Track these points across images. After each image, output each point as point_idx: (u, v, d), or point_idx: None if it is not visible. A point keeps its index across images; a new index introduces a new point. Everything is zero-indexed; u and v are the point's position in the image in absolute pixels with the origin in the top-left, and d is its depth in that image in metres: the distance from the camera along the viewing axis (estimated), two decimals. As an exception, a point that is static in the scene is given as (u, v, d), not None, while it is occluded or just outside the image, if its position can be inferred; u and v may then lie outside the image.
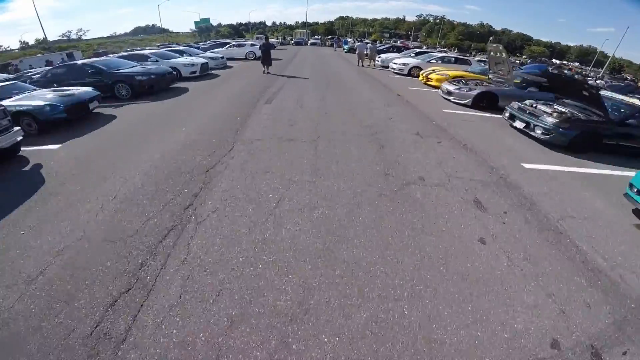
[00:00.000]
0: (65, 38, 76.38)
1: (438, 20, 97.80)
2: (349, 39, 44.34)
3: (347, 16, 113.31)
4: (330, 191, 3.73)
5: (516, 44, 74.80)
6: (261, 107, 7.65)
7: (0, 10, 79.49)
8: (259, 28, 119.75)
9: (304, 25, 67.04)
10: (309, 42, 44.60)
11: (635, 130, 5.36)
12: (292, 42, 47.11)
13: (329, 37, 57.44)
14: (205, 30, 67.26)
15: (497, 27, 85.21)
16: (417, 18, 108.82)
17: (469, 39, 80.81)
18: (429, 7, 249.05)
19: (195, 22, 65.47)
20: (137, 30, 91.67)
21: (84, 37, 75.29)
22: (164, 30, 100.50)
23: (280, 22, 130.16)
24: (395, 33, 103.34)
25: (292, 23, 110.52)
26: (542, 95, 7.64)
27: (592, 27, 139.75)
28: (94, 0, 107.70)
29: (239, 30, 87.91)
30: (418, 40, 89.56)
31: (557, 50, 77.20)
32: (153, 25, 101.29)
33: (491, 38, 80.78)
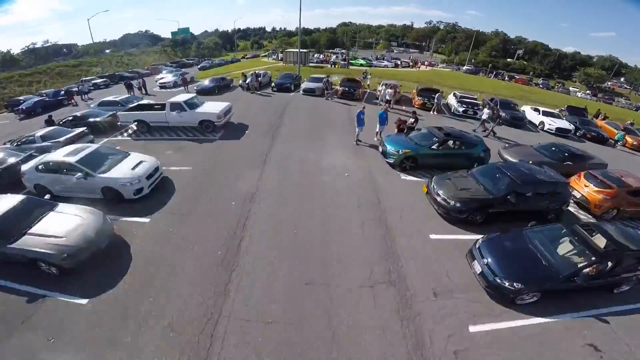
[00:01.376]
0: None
1: (449, 28, 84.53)
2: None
3: (350, 22, 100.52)
4: None
5: (565, 64, 60.89)
6: None
7: (2, 13, 71.45)
8: (257, 34, 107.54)
9: (301, 34, 42.75)
10: (302, 87, 19.62)
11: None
12: (273, 84, 20.72)
13: (347, 83, 19.24)
14: (181, 43, 54.75)
15: (511, 35, 72.15)
16: (426, 25, 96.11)
17: (502, 56, 67.43)
18: (432, 12, 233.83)
19: (173, 33, 53.71)
20: (126, 37, 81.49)
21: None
22: (153, 37, 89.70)
23: (281, 28, 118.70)
24: (403, 42, 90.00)
25: (293, 29, 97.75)
26: None
27: (594, 32, 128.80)
28: (97, 2, 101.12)
29: (231, 40, 74.31)
30: (440, 53, 76.43)
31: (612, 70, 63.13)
32: (146, 31, 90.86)
33: (519, 52, 67.25)
